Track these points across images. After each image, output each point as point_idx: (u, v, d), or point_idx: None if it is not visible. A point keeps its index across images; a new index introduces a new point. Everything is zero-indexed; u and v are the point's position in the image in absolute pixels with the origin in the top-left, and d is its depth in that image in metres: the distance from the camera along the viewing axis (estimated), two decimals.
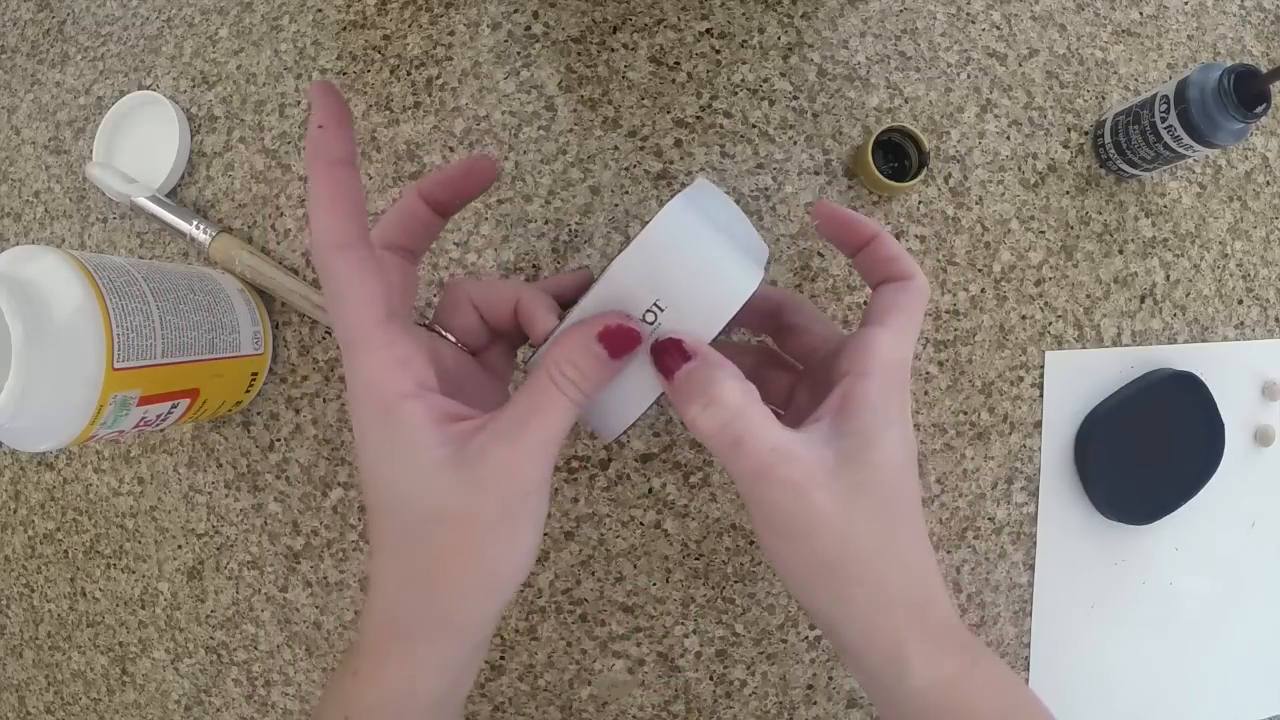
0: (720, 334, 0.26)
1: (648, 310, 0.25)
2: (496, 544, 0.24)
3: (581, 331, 0.24)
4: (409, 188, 0.28)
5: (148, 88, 0.49)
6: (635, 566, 0.44)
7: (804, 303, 0.35)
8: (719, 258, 0.26)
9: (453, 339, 0.29)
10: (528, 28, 0.46)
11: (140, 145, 0.48)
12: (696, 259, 0.26)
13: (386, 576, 0.25)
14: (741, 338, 0.43)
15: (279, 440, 0.46)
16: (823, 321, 0.34)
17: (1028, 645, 0.45)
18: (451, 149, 0.46)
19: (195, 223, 0.45)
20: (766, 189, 0.45)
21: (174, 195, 0.47)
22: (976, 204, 0.46)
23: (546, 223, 0.45)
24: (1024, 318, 0.46)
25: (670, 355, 0.25)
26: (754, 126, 0.45)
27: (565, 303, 0.30)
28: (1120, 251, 0.47)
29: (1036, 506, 0.45)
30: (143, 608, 0.48)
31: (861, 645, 0.27)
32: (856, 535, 0.25)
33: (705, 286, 0.26)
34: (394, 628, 0.25)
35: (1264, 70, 0.38)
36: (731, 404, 0.25)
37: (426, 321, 0.30)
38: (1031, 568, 0.45)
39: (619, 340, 0.24)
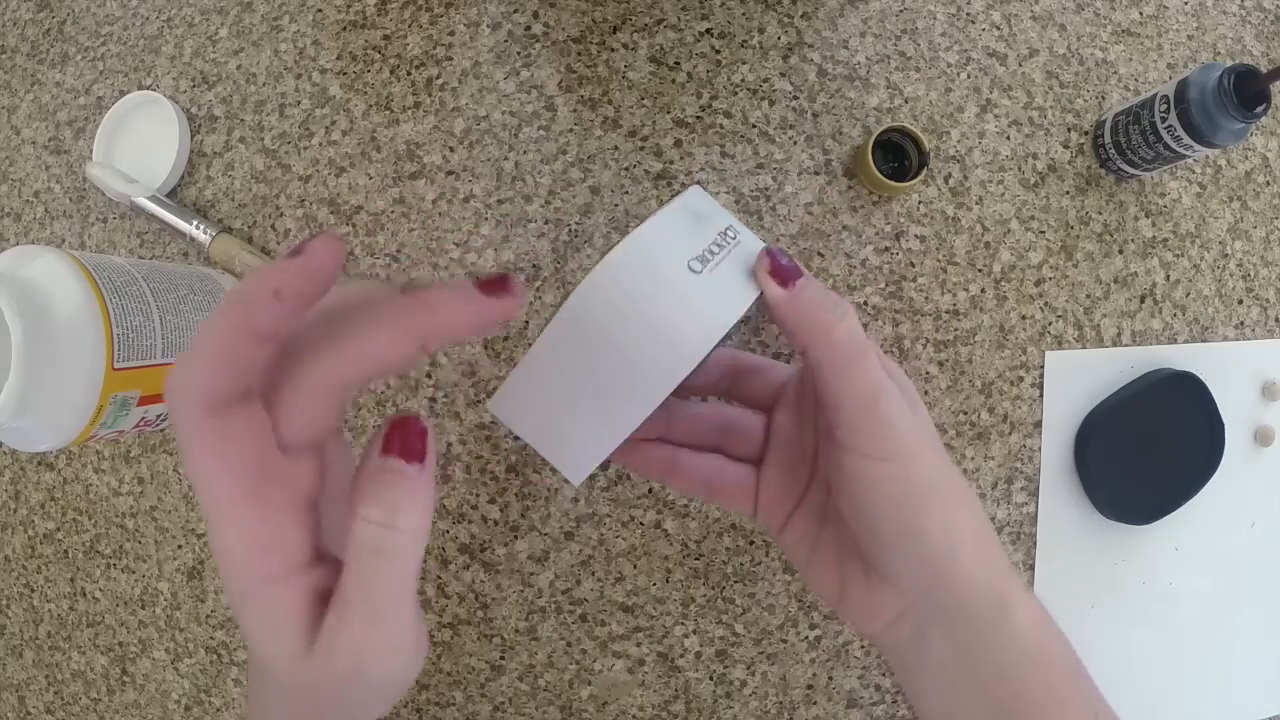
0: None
1: (725, 230, 0.27)
2: (369, 708, 0.23)
3: (366, 465, 0.20)
4: (214, 320, 0.19)
5: (148, 88, 0.49)
6: (635, 566, 0.44)
7: (745, 354, 0.35)
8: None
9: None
10: (528, 28, 0.46)
11: (140, 145, 0.48)
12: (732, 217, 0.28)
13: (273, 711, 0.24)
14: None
15: None
16: (770, 362, 0.35)
17: None
18: (451, 149, 0.46)
19: (195, 223, 0.45)
20: (766, 189, 0.45)
21: (174, 195, 0.47)
22: (976, 204, 0.46)
23: (546, 223, 0.45)
24: (1024, 318, 0.46)
25: (788, 268, 0.26)
26: (754, 126, 0.45)
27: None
28: (1120, 251, 0.47)
29: (1036, 506, 0.45)
30: (143, 608, 0.48)
31: (967, 579, 0.27)
32: (948, 463, 0.27)
33: (752, 234, 0.28)
34: None
35: (1264, 70, 0.38)
36: (855, 321, 0.26)
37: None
38: (1031, 568, 0.45)
39: (406, 441, 0.20)
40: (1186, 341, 0.47)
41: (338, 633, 0.20)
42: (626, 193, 0.45)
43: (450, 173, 0.45)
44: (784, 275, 0.26)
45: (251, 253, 0.45)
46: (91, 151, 0.49)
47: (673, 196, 0.27)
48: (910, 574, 0.28)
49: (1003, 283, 0.46)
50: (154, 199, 0.46)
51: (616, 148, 0.45)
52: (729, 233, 0.27)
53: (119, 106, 0.48)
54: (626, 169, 0.45)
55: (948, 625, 0.28)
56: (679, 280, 0.25)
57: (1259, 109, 0.38)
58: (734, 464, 0.33)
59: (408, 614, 0.21)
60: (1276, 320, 0.48)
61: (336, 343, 0.19)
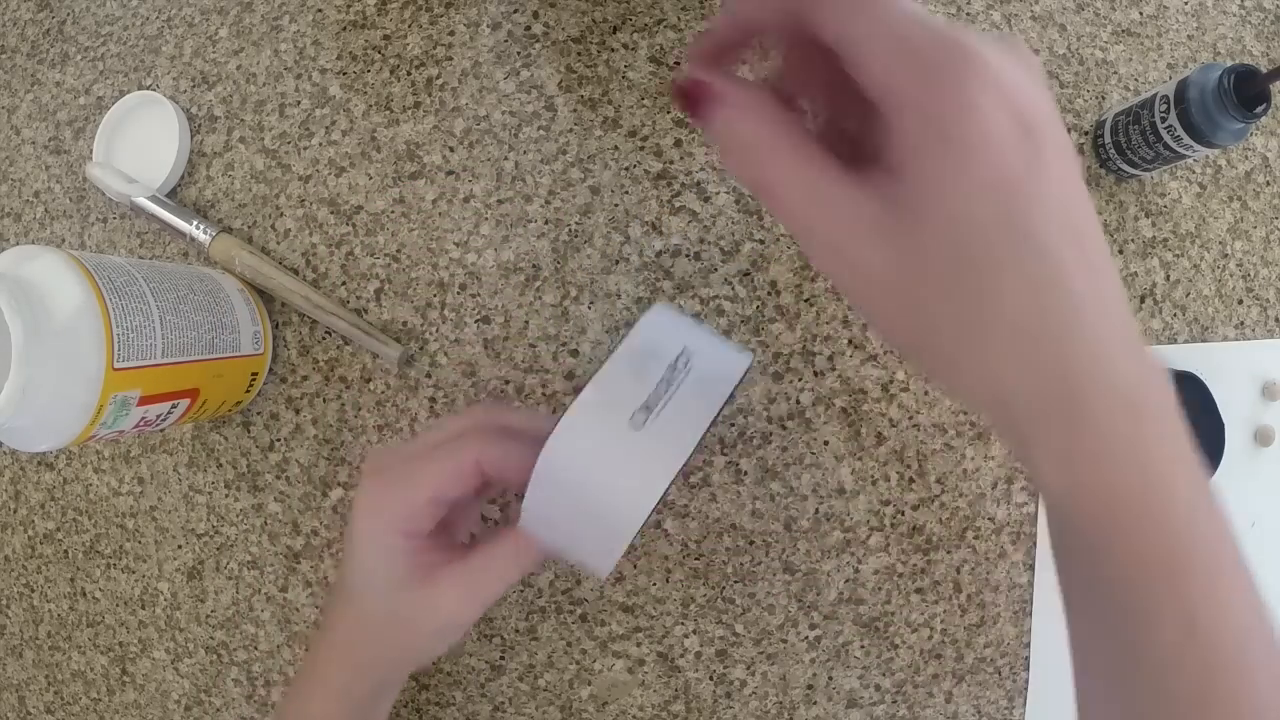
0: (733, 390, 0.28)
1: (677, 359, 0.27)
2: (432, 647, 0.33)
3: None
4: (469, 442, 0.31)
5: (148, 88, 0.49)
6: (635, 566, 0.44)
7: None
8: (708, 329, 0.29)
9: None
10: (528, 28, 0.46)
11: (140, 145, 0.48)
12: (697, 323, 0.28)
13: (344, 627, 0.33)
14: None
15: (279, 440, 0.46)
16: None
17: (1028, 645, 0.45)
18: (451, 149, 0.46)
19: (195, 223, 0.45)
20: None
21: (174, 195, 0.47)
22: None
23: (546, 223, 0.45)
24: None
25: (698, 99, 0.21)
26: None
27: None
28: (1120, 251, 0.47)
29: (1036, 506, 0.45)
30: (143, 608, 0.48)
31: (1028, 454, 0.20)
32: (930, 312, 0.19)
33: (718, 339, 0.28)
34: (336, 682, 0.33)
35: (1264, 70, 0.38)
36: (750, 143, 0.20)
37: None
38: (1031, 568, 0.45)
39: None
40: (1186, 341, 0.47)
41: (454, 584, 0.30)
42: (626, 193, 0.45)
43: (450, 173, 0.45)
44: (696, 111, 0.21)
45: (251, 252, 0.45)
46: (91, 151, 0.49)
47: (636, 320, 0.28)
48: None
49: None
50: (154, 199, 0.46)
51: (616, 148, 0.45)
52: (680, 361, 0.27)
53: (119, 106, 0.48)
54: (626, 169, 0.45)
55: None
56: (620, 442, 0.26)
57: (1259, 109, 0.38)
58: None
59: (495, 598, 0.31)
60: (1276, 320, 0.48)
61: (499, 447, 0.30)
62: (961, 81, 0.18)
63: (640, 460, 0.26)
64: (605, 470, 0.26)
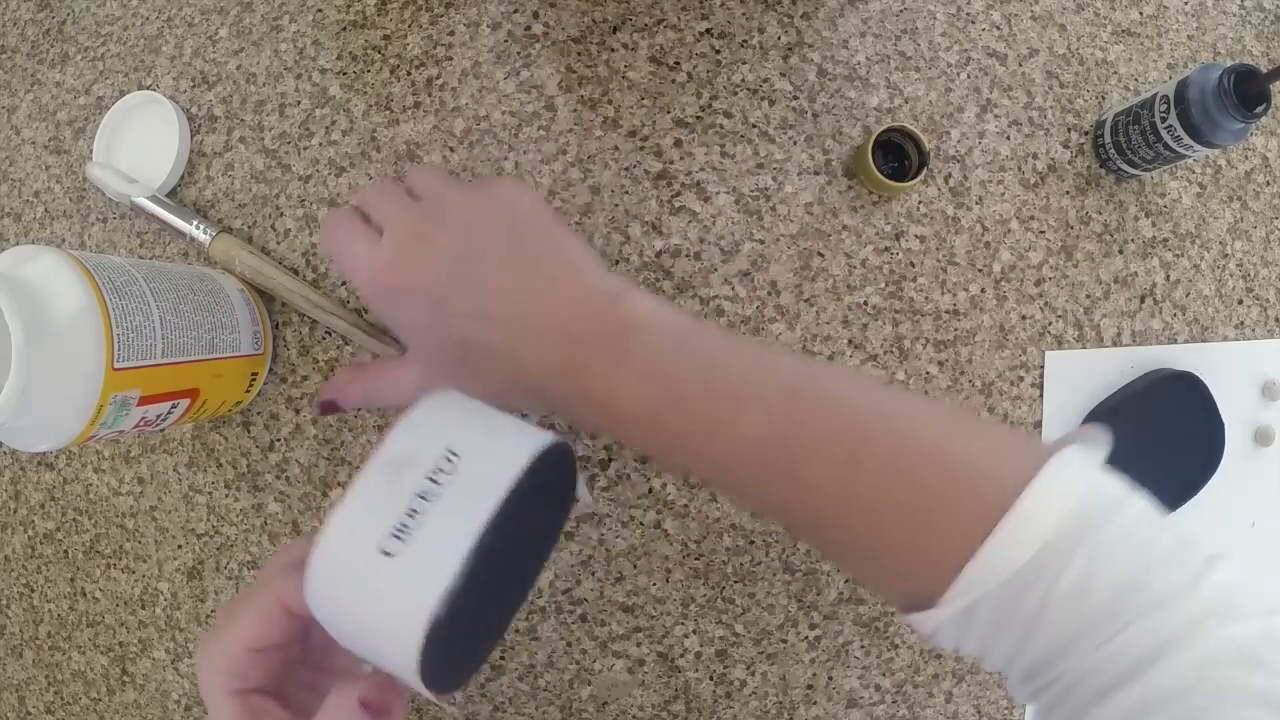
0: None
1: (439, 462, 0.23)
2: None
3: (342, 699, 0.26)
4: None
5: (148, 88, 0.49)
6: (635, 566, 0.44)
7: None
8: (498, 416, 0.26)
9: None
10: (528, 28, 0.46)
11: (140, 145, 0.48)
12: (480, 411, 0.26)
13: None
14: None
15: (279, 440, 0.46)
16: None
17: None
18: (451, 149, 0.46)
19: (195, 223, 0.45)
20: (766, 189, 0.45)
21: (174, 195, 0.47)
22: (976, 204, 0.46)
23: None
24: (1024, 318, 0.46)
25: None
26: (754, 126, 0.45)
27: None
28: (1120, 251, 0.47)
29: None
30: (143, 608, 0.48)
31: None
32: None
33: (500, 429, 0.25)
34: None
35: (1264, 70, 0.38)
36: None
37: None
38: None
39: (380, 707, 0.26)
40: (1186, 341, 0.47)
41: None
42: (626, 193, 0.45)
43: (450, 173, 0.45)
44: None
45: (251, 252, 0.45)
46: (92, 151, 0.49)
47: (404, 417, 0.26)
48: None
49: (1003, 283, 0.46)
50: (154, 199, 0.46)
51: (616, 148, 0.45)
52: (444, 465, 0.23)
53: (119, 106, 0.48)
54: (626, 169, 0.45)
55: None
56: (372, 574, 0.23)
57: (1259, 109, 0.38)
58: None
59: None
60: (1276, 320, 0.48)
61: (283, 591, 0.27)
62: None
63: (394, 594, 0.22)
64: (365, 603, 0.23)
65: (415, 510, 0.23)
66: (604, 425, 0.33)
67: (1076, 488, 0.25)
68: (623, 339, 0.31)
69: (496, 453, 0.24)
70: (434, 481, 0.23)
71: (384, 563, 0.22)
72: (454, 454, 0.23)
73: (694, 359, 0.30)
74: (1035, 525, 0.24)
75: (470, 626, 0.25)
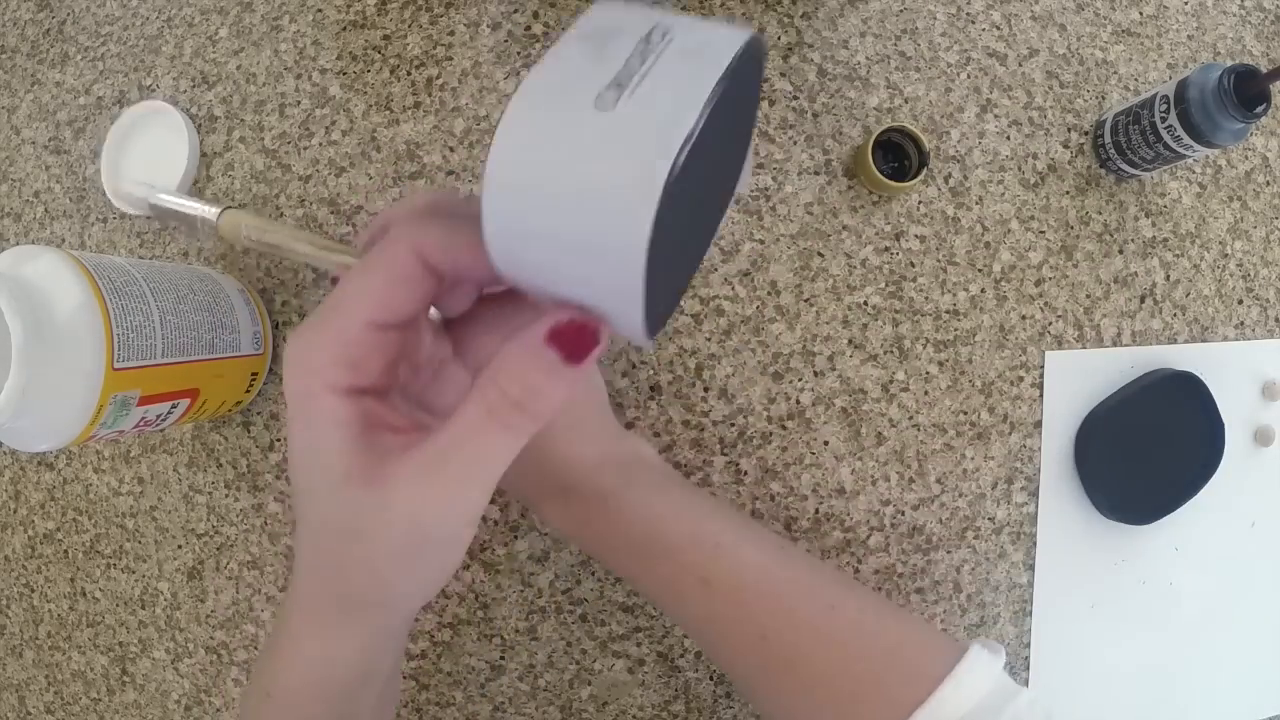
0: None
1: (650, 32, 0.19)
2: (398, 571, 0.21)
3: (525, 340, 0.20)
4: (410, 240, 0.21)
5: (148, 88, 0.49)
6: None
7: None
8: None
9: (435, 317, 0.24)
10: (528, 28, 0.46)
11: (148, 155, 0.48)
12: (667, 10, 0.20)
13: (303, 561, 0.23)
14: None
15: (279, 440, 0.46)
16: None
17: (1028, 645, 0.45)
18: (451, 149, 0.46)
19: (202, 204, 0.43)
20: (766, 189, 0.45)
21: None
22: (976, 204, 0.46)
23: None
24: (1024, 318, 0.46)
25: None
26: (753, 126, 0.45)
27: None
28: (1120, 251, 0.47)
29: (1036, 506, 0.45)
30: (143, 608, 0.48)
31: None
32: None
33: (697, 18, 0.20)
34: (311, 611, 0.24)
35: (1264, 70, 0.38)
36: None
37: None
38: (1031, 568, 0.45)
39: (576, 341, 0.19)
40: (1186, 341, 0.47)
41: (419, 469, 0.20)
42: None
43: (450, 173, 0.45)
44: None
45: (256, 214, 0.41)
46: (95, 154, 0.48)
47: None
48: None
49: (1003, 283, 0.46)
50: (168, 196, 0.44)
51: None
52: (655, 34, 0.19)
53: (126, 116, 0.48)
54: None
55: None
56: (589, 126, 0.18)
57: (1259, 109, 0.38)
58: None
59: (483, 497, 0.21)
60: (1276, 320, 0.48)
61: (438, 230, 0.21)
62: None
63: (621, 142, 0.18)
64: (576, 164, 0.18)
65: (631, 69, 0.18)
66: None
67: (986, 681, 0.29)
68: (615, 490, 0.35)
69: (707, 27, 0.20)
70: (647, 45, 0.19)
71: (601, 117, 0.18)
72: (664, 26, 0.19)
73: (629, 535, 0.34)
74: (954, 706, 0.28)
75: (681, 229, 0.20)
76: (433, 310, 0.24)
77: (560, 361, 0.19)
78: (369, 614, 0.23)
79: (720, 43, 0.19)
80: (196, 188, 0.47)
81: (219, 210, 0.42)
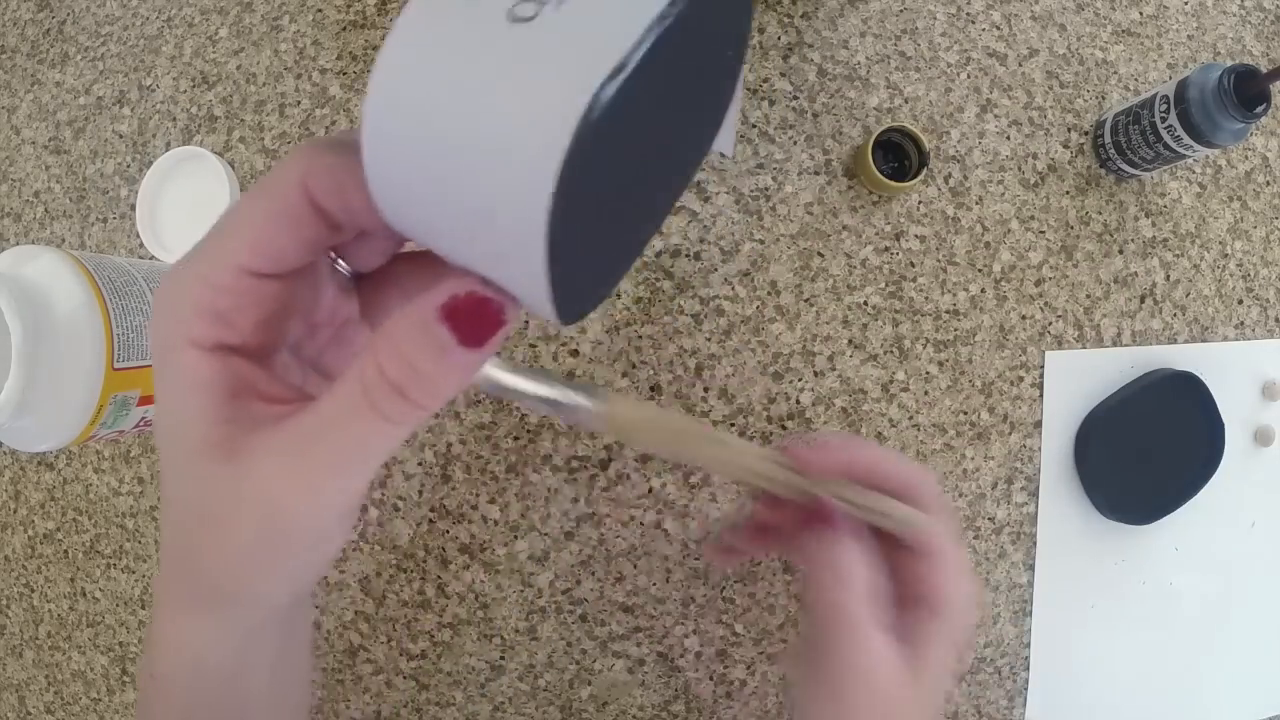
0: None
1: None
2: (253, 566, 0.18)
3: (414, 312, 0.16)
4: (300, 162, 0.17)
5: (148, 88, 0.49)
6: (635, 566, 0.44)
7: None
8: None
9: (343, 268, 0.21)
10: None
11: (185, 202, 0.47)
12: None
13: (163, 541, 0.20)
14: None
15: None
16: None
17: (1028, 645, 0.45)
18: None
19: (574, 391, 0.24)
20: (766, 189, 0.45)
21: None
22: (976, 204, 0.46)
23: None
24: (1024, 318, 0.46)
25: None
26: (754, 126, 0.45)
27: None
28: (1120, 251, 0.47)
29: (1036, 506, 0.45)
30: (143, 608, 0.48)
31: None
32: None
33: None
34: (169, 600, 0.21)
35: (1264, 70, 0.38)
36: (855, 586, 0.26)
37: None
38: (1031, 568, 0.45)
39: (475, 320, 0.16)
40: (1186, 341, 0.47)
41: (283, 448, 0.17)
42: None
43: None
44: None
45: (643, 407, 0.26)
46: (134, 209, 0.48)
47: None
48: None
49: (1003, 283, 0.46)
50: (512, 368, 0.23)
51: None
52: None
53: (163, 161, 0.47)
54: None
55: None
56: (492, 47, 0.13)
57: (1259, 109, 0.38)
58: None
59: (359, 485, 0.17)
60: (1276, 320, 0.48)
61: (330, 165, 0.17)
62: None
63: (530, 66, 0.13)
64: (472, 92, 0.14)
65: None
66: None
67: None
68: None
69: None
70: None
71: (513, 30, 0.13)
72: None
73: None
74: None
75: (616, 191, 0.16)
76: (340, 263, 0.21)
77: (455, 342, 0.16)
78: (225, 609, 0.20)
79: None
80: None
81: (594, 401, 0.23)
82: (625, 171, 0.16)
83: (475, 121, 0.14)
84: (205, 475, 0.17)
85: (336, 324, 0.21)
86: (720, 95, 0.21)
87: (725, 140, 0.24)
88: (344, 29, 0.47)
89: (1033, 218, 0.46)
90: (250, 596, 0.19)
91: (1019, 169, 0.46)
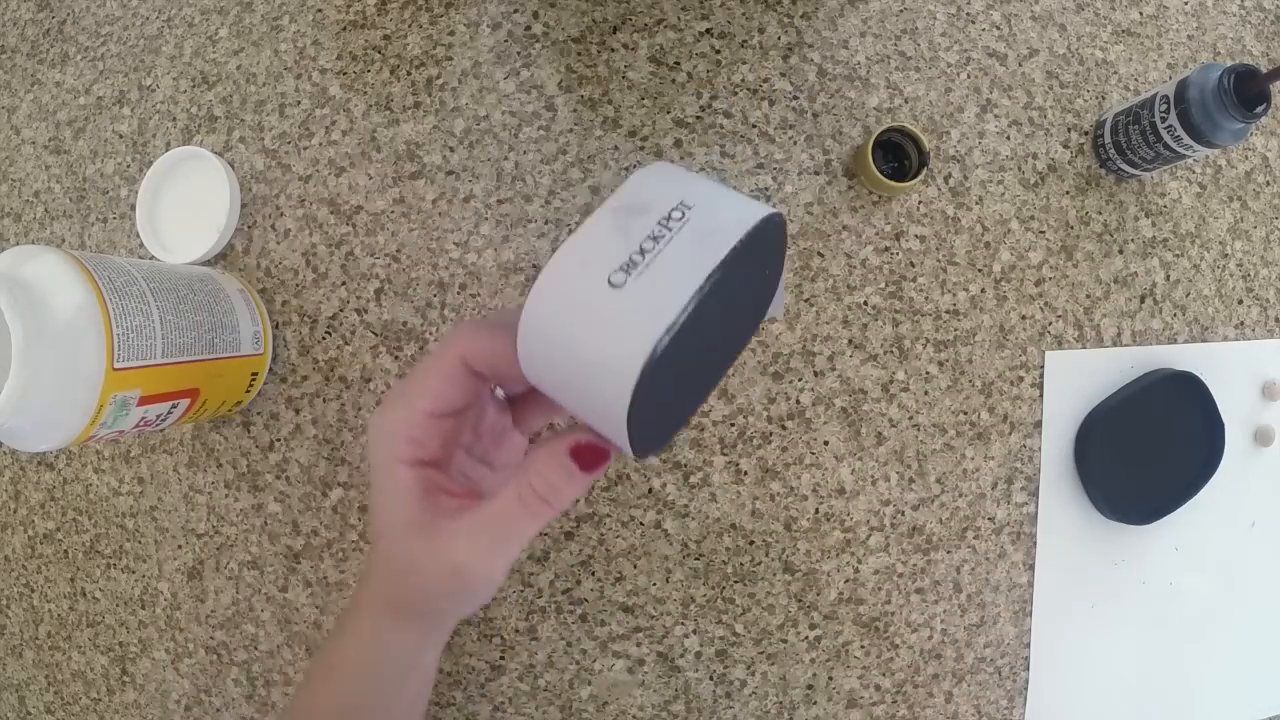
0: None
1: (670, 213, 0.24)
2: (443, 599, 0.29)
3: (552, 448, 0.26)
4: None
5: (148, 88, 0.49)
6: (635, 566, 0.44)
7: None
8: (722, 185, 0.25)
9: (499, 394, 0.32)
10: (528, 28, 0.46)
11: (185, 203, 0.47)
12: (705, 179, 0.25)
13: (373, 576, 0.31)
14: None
15: (279, 440, 0.46)
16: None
17: (1028, 645, 0.45)
18: (451, 149, 0.46)
19: None
20: (766, 189, 0.45)
21: (225, 255, 0.47)
22: (976, 204, 0.46)
23: (546, 223, 0.45)
24: (1024, 318, 0.46)
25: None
26: (754, 126, 0.45)
27: None
28: (1120, 251, 0.47)
29: (1036, 506, 0.45)
30: (143, 608, 0.48)
31: None
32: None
33: (728, 192, 0.24)
34: (374, 611, 0.31)
35: (1264, 70, 0.38)
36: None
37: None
38: (1031, 568, 0.45)
39: (590, 456, 0.26)
40: (1186, 341, 0.47)
41: (465, 532, 0.27)
42: None
43: (450, 173, 0.45)
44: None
45: None
46: (134, 208, 0.48)
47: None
48: None
49: (1003, 283, 0.46)
50: None
51: (616, 148, 0.45)
52: (675, 214, 0.24)
53: (163, 161, 0.47)
54: (626, 169, 0.45)
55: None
56: (596, 303, 0.23)
57: (1259, 109, 0.38)
58: None
59: (511, 558, 0.28)
60: (1276, 320, 0.48)
61: (481, 339, 0.27)
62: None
63: (618, 322, 0.22)
64: (584, 334, 0.23)
65: (645, 250, 0.23)
66: None
67: None
68: None
69: (727, 208, 0.24)
70: (665, 227, 0.23)
71: (610, 293, 0.23)
72: (686, 205, 0.24)
73: None
74: None
75: (679, 379, 0.25)
76: (498, 389, 0.32)
77: (577, 470, 0.26)
78: (418, 621, 0.31)
79: (730, 227, 0.23)
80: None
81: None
82: (685, 369, 0.25)
83: (587, 350, 0.23)
84: (412, 544, 0.28)
85: (497, 431, 0.32)
86: (765, 294, 0.29)
87: (776, 308, 0.30)
88: (344, 29, 0.47)
89: (1033, 218, 0.46)
90: (437, 615, 0.31)
91: (1019, 169, 0.46)
